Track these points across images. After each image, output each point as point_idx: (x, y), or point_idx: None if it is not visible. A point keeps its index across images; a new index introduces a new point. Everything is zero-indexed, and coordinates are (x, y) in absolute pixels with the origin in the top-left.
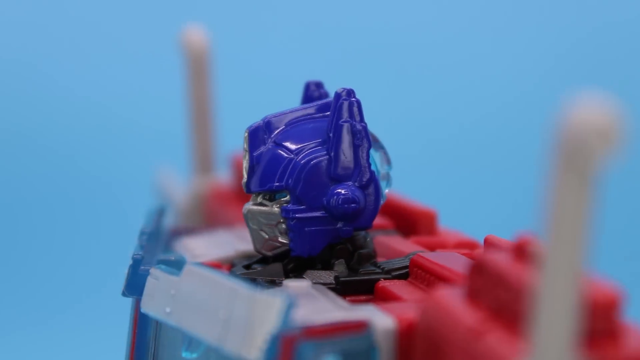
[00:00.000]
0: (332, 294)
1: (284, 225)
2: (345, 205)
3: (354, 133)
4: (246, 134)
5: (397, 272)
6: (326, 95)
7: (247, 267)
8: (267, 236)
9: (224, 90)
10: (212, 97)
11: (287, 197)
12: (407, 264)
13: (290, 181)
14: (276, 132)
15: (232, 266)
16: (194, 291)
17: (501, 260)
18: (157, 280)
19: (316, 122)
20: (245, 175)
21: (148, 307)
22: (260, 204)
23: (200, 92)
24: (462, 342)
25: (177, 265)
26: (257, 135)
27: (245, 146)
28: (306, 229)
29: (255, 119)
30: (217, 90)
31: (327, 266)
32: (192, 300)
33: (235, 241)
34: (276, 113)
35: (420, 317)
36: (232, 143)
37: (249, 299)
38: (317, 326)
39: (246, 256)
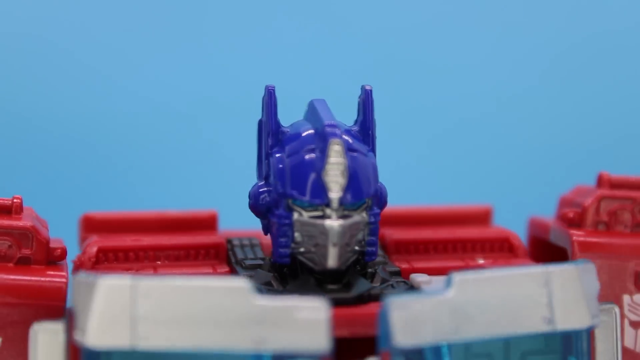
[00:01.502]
0: None
1: (363, 233)
2: (386, 199)
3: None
4: (339, 145)
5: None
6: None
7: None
8: (348, 248)
9: None
10: None
11: (367, 202)
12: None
13: (376, 185)
14: (345, 137)
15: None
16: (482, 296)
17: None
18: (407, 309)
19: (341, 124)
20: (337, 190)
21: (410, 340)
22: (346, 216)
23: None
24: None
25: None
26: (344, 144)
27: (338, 157)
28: (379, 229)
29: None
30: None
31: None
32: (483, 304)
33: None
34: (332, 119)
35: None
36: None
37: (567, 271)
38: None
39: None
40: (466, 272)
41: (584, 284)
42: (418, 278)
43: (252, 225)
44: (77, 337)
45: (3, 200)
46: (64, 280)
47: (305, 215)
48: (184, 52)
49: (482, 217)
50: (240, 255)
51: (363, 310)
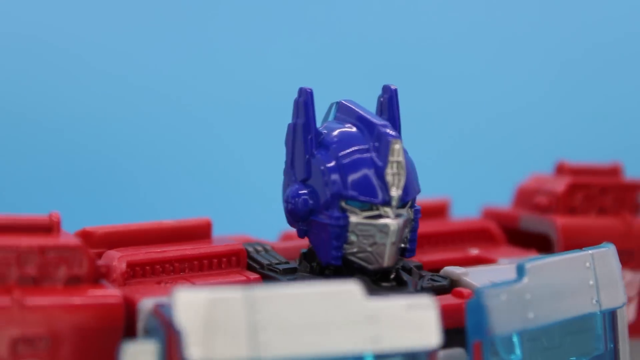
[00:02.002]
0: None
1: (407, 230)
2: None
3: None
4: (399, 145)
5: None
6: None
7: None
8: (399, 246)
9: None
10: None
11: (410, 200)
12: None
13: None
14: None
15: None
16: (548, 282)
17: None
18: (498, 298)
19: None
20: (398, 189)
21: (502, 328)
22: (400, 215)
23: None
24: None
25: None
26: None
27: (399, 156)
28: None
29: None
30: None
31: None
32: (549, 290)
33: None
34: (377, 119)
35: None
36: None
37: (604, 253)
38: None
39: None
40: (532, 259)
41: (617, 264)
42: (456, 270)
43: (239, 230)
44: (191, 353)
45: (40, 217)
46: (119, 299)
47: (361, 215)
48: (176, 63)
49: (440, 210)
50: (263, 260)
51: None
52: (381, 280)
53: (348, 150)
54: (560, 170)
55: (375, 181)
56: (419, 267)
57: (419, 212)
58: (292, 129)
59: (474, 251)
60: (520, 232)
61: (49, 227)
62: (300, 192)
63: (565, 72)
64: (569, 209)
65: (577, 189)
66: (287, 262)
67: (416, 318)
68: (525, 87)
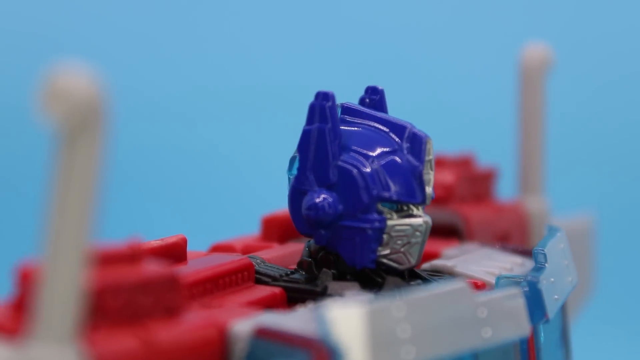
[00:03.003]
0: None
1: None
2: None
3: None
4: (430, 144)
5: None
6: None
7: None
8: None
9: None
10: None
11: None
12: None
13: None
14: None
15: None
16: (555, 265)
17: None
18: (544, 283)
19: None
20: (429, 187)
21: (551, 312)
22: (425, 213)
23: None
24: None
25: None
26: None
27: (431, 155)
28: None
29: None
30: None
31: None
32: (558, 272)
33: None
34: (402, 121)
35: None
36: None
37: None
38: None
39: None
40: (540, 244)
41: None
42: (447, 264)
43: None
44: None
45: (117, 245)
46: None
47: (395, 216)
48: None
49: None
50: (271, 272)
51: None
52: (410, 279)
53: (378, 152)
54: (438, 163)
55: (416, 181)
56: None
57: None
58: (316, 133)
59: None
60: None
61: (132, 256)
62: (328, 198)
63: None
64: (460, 199)
65: (463, 179)
66: (293, 272)
67: (511, 309)
68: None
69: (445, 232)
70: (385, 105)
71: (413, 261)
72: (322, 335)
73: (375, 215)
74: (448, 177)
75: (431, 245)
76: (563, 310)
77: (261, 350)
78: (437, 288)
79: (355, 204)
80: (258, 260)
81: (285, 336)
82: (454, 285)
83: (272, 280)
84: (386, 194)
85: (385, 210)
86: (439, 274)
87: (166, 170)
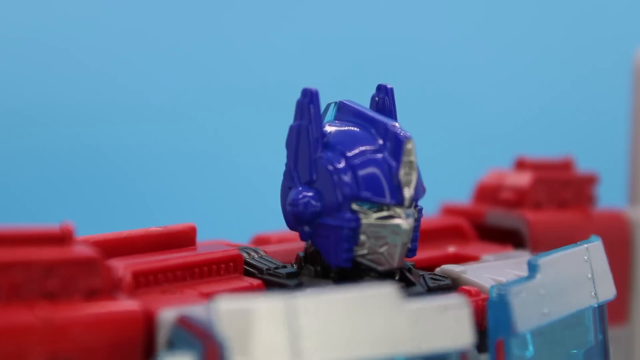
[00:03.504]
0: None
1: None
2: None
3: None
4: (412, 145)
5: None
6: None
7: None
8: (409, 246)
9: None
10: None
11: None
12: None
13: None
14: None
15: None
16: (556, 277)
17: None
18: (519, 295)
19: None
20: (409, 188)
21: (524, 325)
22: (409, 214)
23: None
24: None
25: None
26: None
27: (412, 156)
28: None
29: None
30: None
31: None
32: (558, 286)
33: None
34: (388, 120)
35: None
36: None
37: (596, 247)
38: None
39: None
40: (541, 255)
41: (605, 257)
42: (455, 269)
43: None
44: None
45: (49, 228)
46: (139, 311)
47: (372, 216)
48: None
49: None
50: (261, 265)
51: None
52: (401, 280)
53: (357, 151)
54: (521, 165)
55: (387, 181)
56: (414, 267)
57: (422, 211)
58: (296, 131)
59: (452, 249)
60: (487, 228)
61: (60, 238)
62: (306, 194)
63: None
64: (535, 204)
65: (541, 183)
66: (285, 266)
67: (450, 318)
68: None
69: (506, 236)
70: (393, 104)
71: (394, 262)
72: (208, 327)
73: (349, 215)
74: (524, 180)
75: (476, 249)
76: (587, 322)
77: (177, 338)
78: (360, 290)
79: (331, 201)
80: (253, 253)
81: (192, 326)
82: (378, 290)
83: (257, 272)
84: (358, 193)
85: (362, 209)
86: (442, 278)
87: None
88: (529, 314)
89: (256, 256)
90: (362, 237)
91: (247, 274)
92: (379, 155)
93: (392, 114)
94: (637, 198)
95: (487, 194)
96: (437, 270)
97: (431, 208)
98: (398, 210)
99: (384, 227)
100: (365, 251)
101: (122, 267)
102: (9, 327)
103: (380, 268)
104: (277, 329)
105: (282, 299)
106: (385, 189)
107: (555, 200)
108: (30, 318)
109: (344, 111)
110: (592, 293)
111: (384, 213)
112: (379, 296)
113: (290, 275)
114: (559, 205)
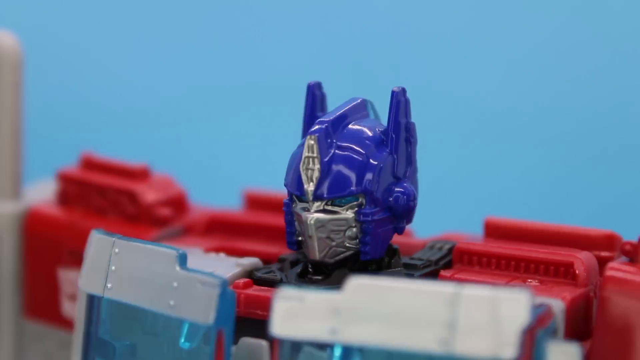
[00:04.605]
0: None
1: (354, 230)
2: (411, 203)
3: (408, 130)
4: (313, 140)
5: (442, 262)
6: (323, 95)
7: (302, 276)
8: (333, 243)
9: None
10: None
11: (360, 201)
12: (445, 253)
13: (369, 184)
14: (336, 135)
15: (263, 281)
16: (378, 305)
17: None
18: (299, 301)
19: (360, 123)
20: (309, 183)
21: (288, 331)
22: (328, 211)
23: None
24: None
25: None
26: (324, 140)
27: (312, 152)
28: (380, 230)
29: None
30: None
31: (381, 266)
32: (379, 314)
33: (220, 258)
34: (327, 116)
35: (605, 295)
36: None
37: (489, 299)
38: (542, 314)
39: (258, 268)
40: (364, 276)
41: (502, 312)
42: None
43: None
44: None
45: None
46: None
47: (299, 206)
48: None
49: (605, 242)
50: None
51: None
52: (314, 273)
53: (300, 143)
54: None
55: (296, 174)
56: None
57: (369, 214)
58: None
59: (530, 282)
60: None
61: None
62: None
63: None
64: None
65: None
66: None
67: (203, 294)
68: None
69: None
70: (391, 107)
71: (311, 254)
72: None
73: (288, 201)
74: None
75: None
76: None
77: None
78: (153, 247)
79: None
80: None
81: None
82: (164, 250)
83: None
84: (285, 181)
85: (294, 197)
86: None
87: None
88: (300, 324)
89: None
90: (296, 224)
91: None
92: (300, 149)
93: (389, 116)
94: None
95: None
96: None
97: None
98: (309, 203)
99: (297, 217)
100: (300, 238)
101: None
102: None
103: (310, 258)
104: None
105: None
106: (294, 181)
107: None
108: None
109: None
110: (442, 339)
111: (304, 204)
112: (164, 255)
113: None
114: None
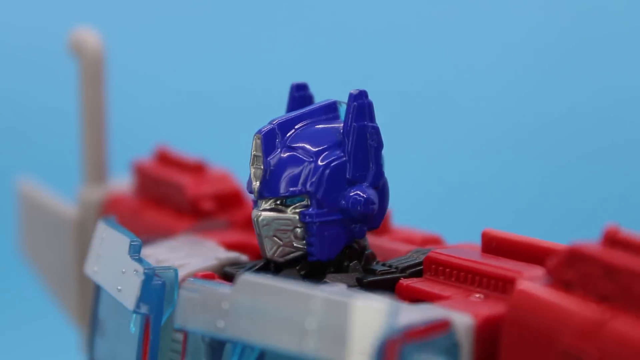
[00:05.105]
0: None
1: (300, 230)
2: (366, 207)
3: (369, 134)
4: (258, 139)
5: (412, 270)
6: (311, 97)
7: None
8: (281, 242)
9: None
10: (105, 103)
11: (305, 202)
12: (419, 261)
13: (312, 185)
14: (288, 135)
15: (227, 275)
16: (257, 303)
17: (601, 250)
18: (198, 293)
19: (324, 124)
20: (256, 182)
21: (187, 322)
22: (275, 210)
23: (94, 97)
24: (579, 331)
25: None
26: (270, 139)
27: (257, 151)
28: (326, 232)
29: None
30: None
31: (340, 269)
32: (256, 312)
33: (208, 250)
34: (282, 116)
35: (511, 311)
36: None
37: (346, 306)
38: (416, 328)
39: (233, 264)
40: (254, 275)
41: (356, 320)
42: None
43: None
44: None
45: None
46: None
47: (259, 203)
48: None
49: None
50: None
51: None
52: (308, 275)
53: None
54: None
55: (249, 172)
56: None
57: (314, 216)
58: None
59: (477, 296)
60: None
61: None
62: None
63: None
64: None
65: None
66: None
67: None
68: None
69: None
70: (347, 110)
71: (265, 254)
72: None
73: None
74: None
75: None
76: None
77: None
78: (119, 234)
79: None
80: None
81: None
82: (123, 237)
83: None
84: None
85: None
86: None
87: None
88: (197, 316)
89: None
90: None
91: None
92: None
93: (345, 120)
94: None
95: None
96: None
97: None
98: (259, 201)
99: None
100: None
101: None
102: None
103: (262, 255)
104: None
105: None
106: (248, 179)
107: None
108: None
109: None
110: (297, 340)
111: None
112: None
113: None
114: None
